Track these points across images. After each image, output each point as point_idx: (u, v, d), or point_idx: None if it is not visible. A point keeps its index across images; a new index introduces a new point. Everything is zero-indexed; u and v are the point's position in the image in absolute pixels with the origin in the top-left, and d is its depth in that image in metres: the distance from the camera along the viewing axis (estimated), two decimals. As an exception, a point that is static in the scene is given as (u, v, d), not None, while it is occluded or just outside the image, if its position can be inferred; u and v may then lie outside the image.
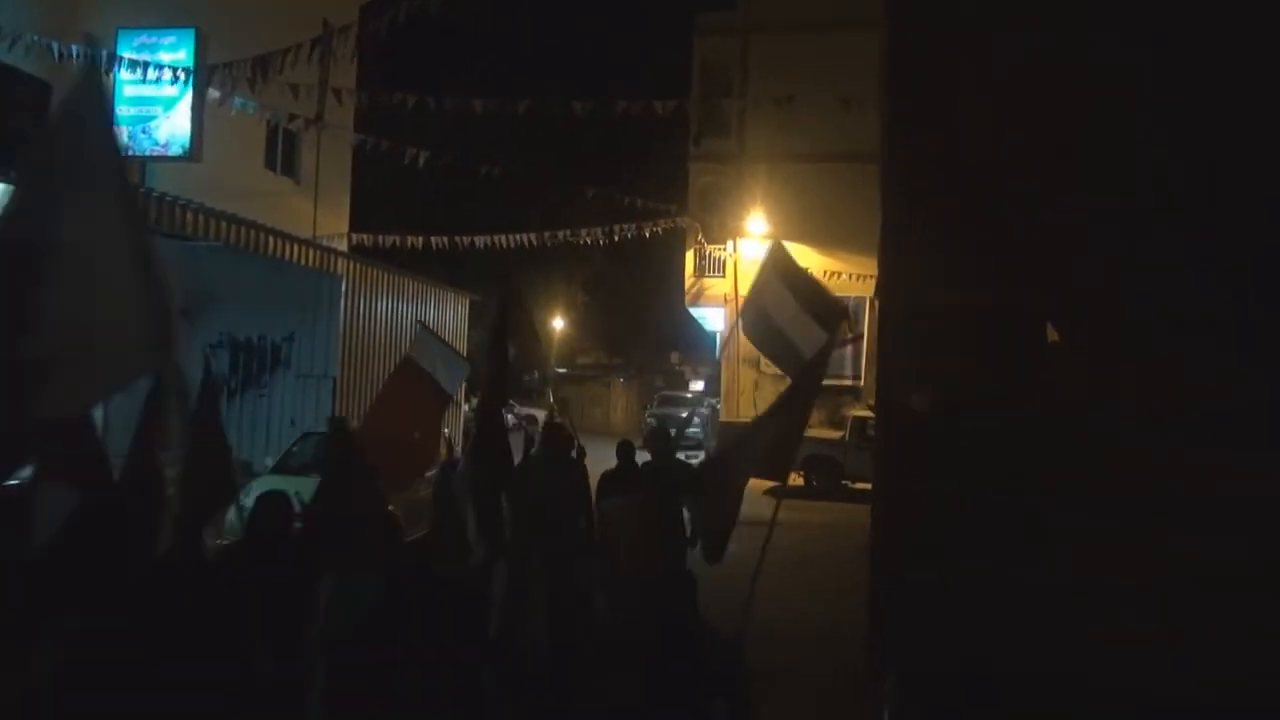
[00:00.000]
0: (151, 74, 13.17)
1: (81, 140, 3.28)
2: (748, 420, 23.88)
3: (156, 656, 3.27)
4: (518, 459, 7.62)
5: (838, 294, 23.40)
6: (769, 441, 4.66)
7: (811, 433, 21.01)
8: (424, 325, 8.34)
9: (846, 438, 18.61)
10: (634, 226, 22.24)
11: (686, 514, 7.76)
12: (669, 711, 4.06)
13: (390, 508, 6.17)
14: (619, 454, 7.81)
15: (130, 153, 14.34)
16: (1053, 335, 3.53)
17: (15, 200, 3.42)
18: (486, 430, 6.46)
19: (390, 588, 3.99)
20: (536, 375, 34.52)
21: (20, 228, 3.20)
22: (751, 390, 24.67)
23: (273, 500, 4.38)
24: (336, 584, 4.44)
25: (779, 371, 24.66)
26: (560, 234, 21.94)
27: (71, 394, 3.31)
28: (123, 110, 14.23)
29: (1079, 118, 3.53)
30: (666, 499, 7.53)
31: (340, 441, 4.89)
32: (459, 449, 9.73)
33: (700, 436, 29.44)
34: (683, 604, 4.10)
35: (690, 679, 4.08)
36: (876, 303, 4.77)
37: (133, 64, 13.03)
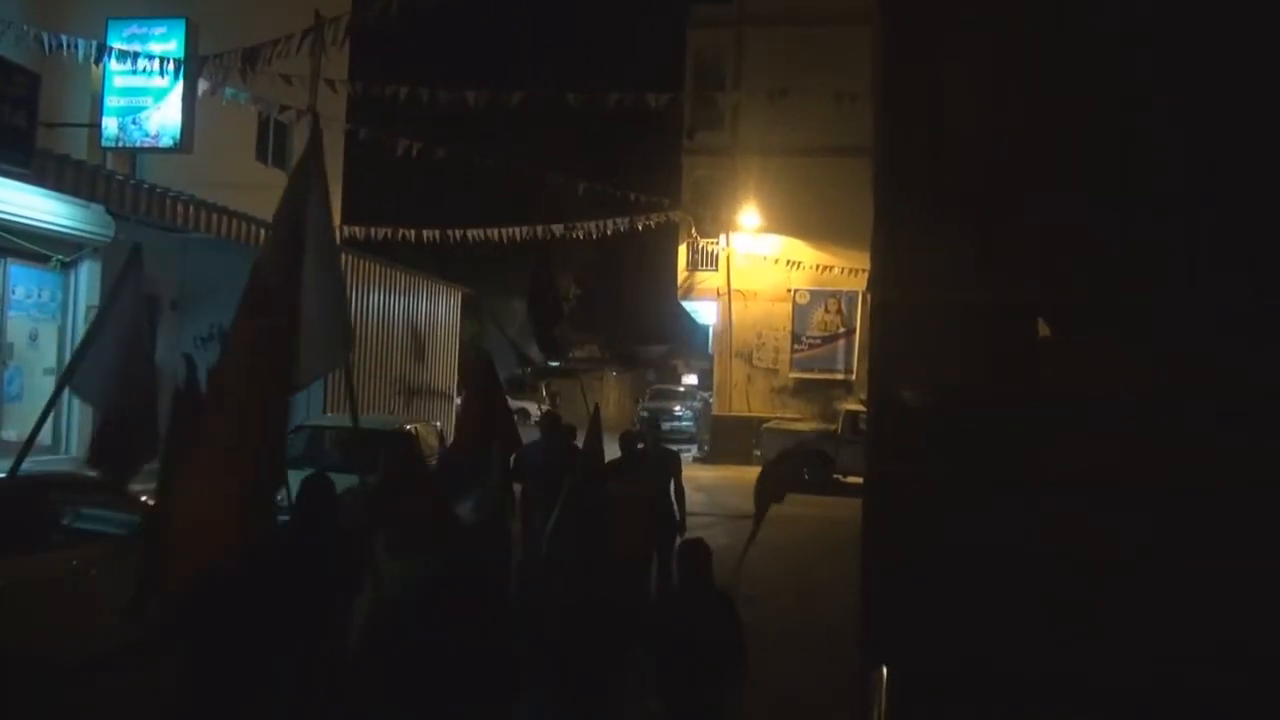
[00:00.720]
0: (142, 65, 13.10)
1: (308, 198, 4.85)
2: (741, 415, 24.01)
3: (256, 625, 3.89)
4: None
5: (831, 287, 23.28)
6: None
7: (803, 426, 21.06)
8: (500, 330, 9.02)
9: (838, 432, 18.63)
10: (627, 220, 22.20)
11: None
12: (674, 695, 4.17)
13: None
14: (621, 443, 8.11)
15: (120, 144, 14.26)
16: (1044, 330, 3.54)
17: (273, 237, 5.21)
18: (496, 429, 6.64)
19: (448, 564, 4.40)
20: (528, 370, 34.48)
21: (279, 257, 4.78)
22: (744, 384, 24.68)
23: (318, 484, 4.66)
24: (402, 559, 4.93)
25: (771, 366, 24.78)
26: (553, 227, 21.87)
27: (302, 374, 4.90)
28: (112, 101, 14.13)
29: (1075, 111, 3.53)
30: (662, 486, 7.80)
31: (405, 451, 5.65)
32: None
33: (692, 430, 29.49)
34: (699, 568, 4.52)
35: (692, 664, 4.18)
36: (869, 297, 4.79)
37: (123, 54, 12.95)
